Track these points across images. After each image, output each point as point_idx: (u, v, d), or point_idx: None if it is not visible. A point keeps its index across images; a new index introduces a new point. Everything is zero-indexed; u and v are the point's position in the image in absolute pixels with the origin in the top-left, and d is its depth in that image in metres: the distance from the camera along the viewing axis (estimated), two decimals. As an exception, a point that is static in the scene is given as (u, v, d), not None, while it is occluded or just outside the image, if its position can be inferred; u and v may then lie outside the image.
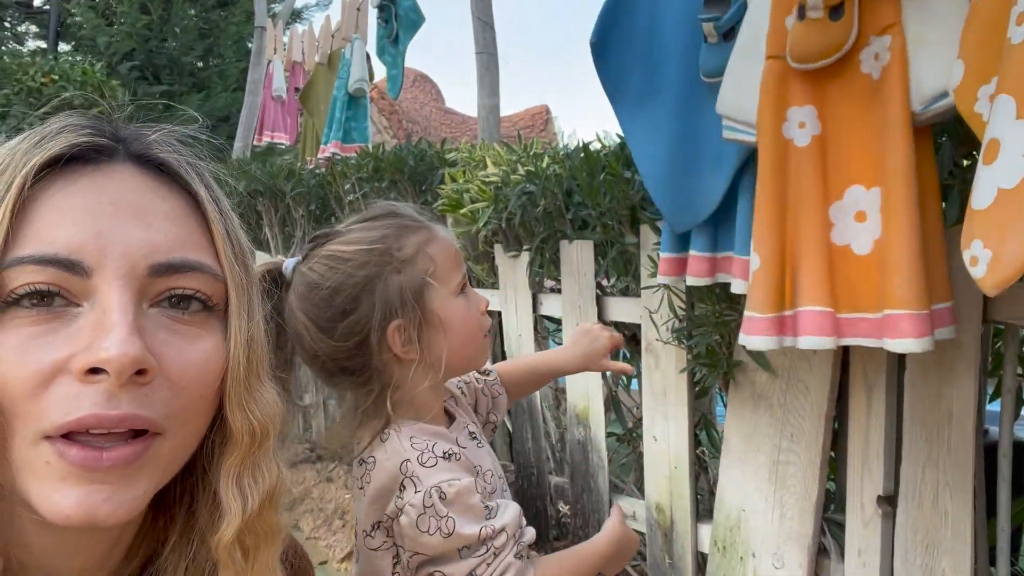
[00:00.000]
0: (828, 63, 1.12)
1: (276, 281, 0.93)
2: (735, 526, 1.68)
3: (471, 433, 1.01)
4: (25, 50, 9.22)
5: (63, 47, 9.43)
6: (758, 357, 1.55)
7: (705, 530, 1.79)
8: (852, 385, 1.43)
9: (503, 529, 0.86)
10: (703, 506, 1.86)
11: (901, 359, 1.33)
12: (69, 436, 0.46)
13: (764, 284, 1.22)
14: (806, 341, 1.17)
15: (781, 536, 1.57)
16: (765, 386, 1.58)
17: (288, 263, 0.93)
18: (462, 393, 1.10)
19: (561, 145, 2.13)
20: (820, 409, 1.48)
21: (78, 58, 7.14)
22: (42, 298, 0.47)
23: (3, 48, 8.95)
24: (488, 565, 0.85)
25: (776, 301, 1.20)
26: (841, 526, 1.49)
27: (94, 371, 0.46)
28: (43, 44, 9.47)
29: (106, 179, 0.51)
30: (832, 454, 1.56)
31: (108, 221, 0.49)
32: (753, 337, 1.23)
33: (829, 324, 1.15)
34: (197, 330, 0.52)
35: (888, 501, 1.37)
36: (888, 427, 1.36)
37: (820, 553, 1.53)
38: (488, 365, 1.16)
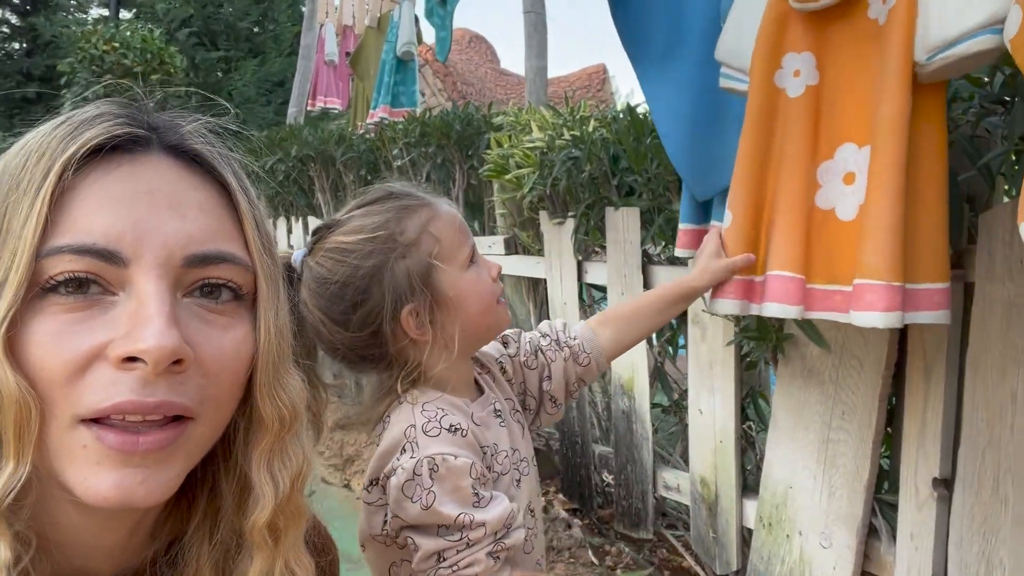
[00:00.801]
0: (832, 3, 1.03)
1: (288, 273, 0.92)
2: (781, 503, 1.63)
3: (496, 410, 0.98)
4: (88, 18, 9.43)
5: (124, 14, 9.62)
6: (809, 331, 1.48)
7: (751, 506, 1.75)
8: (910, 363, 1.35)
9: (483, 524, 0.82)
10: (749, 481, 1.81)
11: (964, 336, 1.25)
12: (103, 421, 0.47)
13: (735, 244, 1.15)
14: (770, 308, 1.11)
15: (829, 515, 1.52)
16: (816, 361, 1.52)
17: (296, 256, 0.92)
18: (502, 369, 1.06)
19: (618, 106, 2.05)
20: (874, 387, 1.41)
21: (138, 25, 7.25)
22: (79, 286, 0.47)
23: (68, 17, 9.17)
24: (458, 552, 0.83)
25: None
26: (893, 508, 1.43)
27: (131, 359, 0.47)
28: (105, 12, 9.67)
29: (142, 169, 0.51)
30: (887, 431, 1.49)
31: (145, 211, 0.50)
32: (718, 300, 1.18)
33: (796, 292, 1.08)
34: (228, 319, 0.53)
35: (944, 484, 1.31)
36: (947, 407, 1.29)
37: (870, 534, 1.48)
38: (576, 325, 1.12)
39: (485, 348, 1.06)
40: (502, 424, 0.97)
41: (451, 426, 0.87)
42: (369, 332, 0.89)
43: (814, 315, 1.10)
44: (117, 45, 6.40)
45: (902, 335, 1.37)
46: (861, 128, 1.04)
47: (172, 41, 7.57)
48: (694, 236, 1.42)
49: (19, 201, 0.47)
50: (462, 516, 0.82)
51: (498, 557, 0.84)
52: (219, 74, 8.47)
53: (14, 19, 9.74)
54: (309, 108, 6.05)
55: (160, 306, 0.48)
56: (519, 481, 0.97)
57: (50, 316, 0.46)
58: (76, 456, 0.47)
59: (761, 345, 1.62)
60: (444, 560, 0.83)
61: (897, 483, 1.40)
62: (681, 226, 1.44)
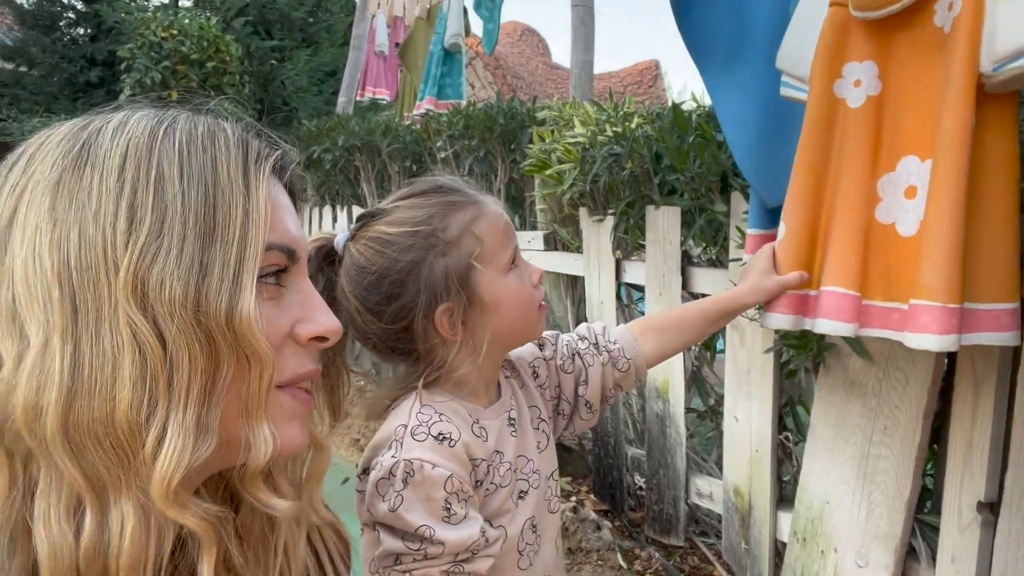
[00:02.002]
0: (895, 10, 0.97)
1: (328, 256, 0.91)
2: (817, 518, 1.57)
3: (510, 419, 0.95)
4: (149, 5, 9.68)
5: (183, 2, 9.85)
6: (853, 342, 1.42)
7: (785, 518, 1.70)
8: (958, 379, 1.29)
9: (442, 543, 0.81)
10: (785, 492, 1.76)
11: (1016, 354, 1.18)
12: (289, 386, 0.59)
13: (789, 258, 1.11)
14: (823, 325, 1.06)
15: (867, 534, 1.46)
16: (859, 373, 1.46)
17: (339, 239, 0.91)
18: (534, 373, 1.02)
19: (670, 103, 2.00)
20: (919, 403, 1.35)
21: (196, 13, 7.41)
22: (277, 277, 0.59)
23: (131, 3, 9.42)
24: (414, 560, 0.82)
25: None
26: (935, 529, 1.37)
27: (319, 339, 0.60)
28: (166, 0, 9.91)
29: (279, 186, 0.63)
30: (932, 449, 1.42)
31: (297, 221, 0.62)
32: (770, 315, 1.13)
33: (851, 309, 1.03)
34: None
35: (990, 508, 1.24)
36: (996, 428, 1.23)
37: (909, 555, 1.42)
38: (617, 329, 1.08)
39: (520, 350, 1.03)
40: (514, 433, 0.95)
41: (440, 434, 0.85)
42: (402, 326, 0.88)
43: (870, 333, 1.05)
44: (175, 32, 6.53)
45: (952, 351, 1.30)
46: (924, 140, 1.00)
47: (228, 30, 7.72)
48: (763, 241, 1.38)
49: (231, 197, 0.55)
50: (423, 528, 0.81)
51: None
52: (273, 63, 8.60)
53: (80, 5, 10.05)
54: (359, 98, 6.09)
55: (319, 297, 0.61)
56: (524, 493, 0.94)
57: (260, 300, 0.56)
58: (274, 414, 0.57)
59: (801, 353, 1.56)
60: (400, 563, 0.83)
61: (939, 504, 1.34)
62: (749, 231, 1.40)
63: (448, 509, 0.82)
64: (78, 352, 0.50)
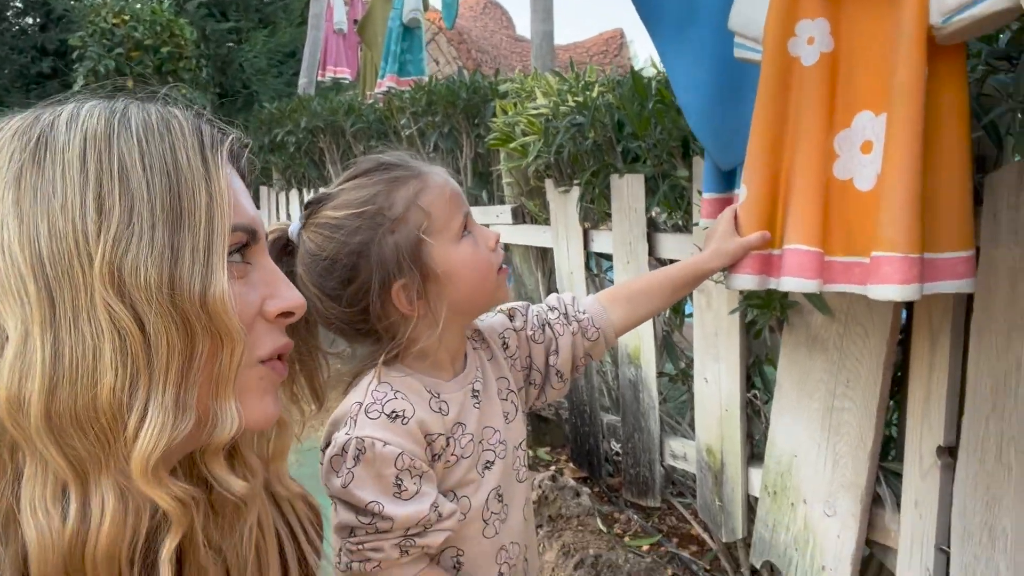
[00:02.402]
0: None
1: (286, 246, 0.92)
2: (786, 471, 1.62)
3: (474, 390, 0.96)
4: (99, -9, 9.39)
5: (135, -13, 9.57)
6: (814, 298, 1.45)
7: (756, 474, 1.74)
8: (915, 330, 1.32)
9: (391, 518, 0.84)
10: (756, 449, 1.80)
11: (969, 303, 1.22)
12: (266, 360, 0.62)
13: (751, 219, 1.12)
14: (787, 283, 1.08)
15: (834, 484, 1.51)
16: (821, 329, 1.49)
17: (292, 228, 0.91)
18: (504, 344, 1.03)
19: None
20: (879, 354, 1.38)
21: (148, -2, 7.22)
22: (242, 254, 0.61)
23: (79, -10, 9.15)
24: (367, 534, 0.85)
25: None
26: (898, 476, 1.41)
27: (287, 314, 0.62)
28: (116, -15, 9.63)
29: (233, 169, 0.65)
30: (892, 402, 1.47)
31: (251, 201, 0.65)
32: (735, 276, 1.15)
33: (814, 266, 1.06)
34: None
35: (949, 452, 1.29)
36: (952, 375, 1.27)
37: (874, 503, 1.46)
38: (586, 299, 1.09)
39: (490, 321, 1.05)
40: (476, 405, 0.95)
41: (393, 412, 0.87)
42: (360, 307, 0.89)
43: (834, 288, 1.07)
44: (127, 18, 6.37)
45: (909, 302, 1.34)
46: (878, 95, 1.01)
47: (182, 13, 7.52)
48: (719, 205, 1.40)
49: (193, 183, 0.56)
50: (373, 504, 0.83)
51: (406, 551, 0.86)
52: (230, 45, 8.41)
53: (27, -7, 9.73)
54: (320, 78, 6.01)
55: (281, 273, 0.64)
56: (491, 464, 0.95)
57: (231, 279, 0.58)
58: (252, 387, 0.61)
59: (765, 313, 1.59)
60: (354, 536, 0.86)
61: (902, 451, 1.39)
62: (704, 195, 1.41)
63: (399, 485, 0.84)
64: (58, 342, 0.51)
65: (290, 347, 0.64)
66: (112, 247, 0.52)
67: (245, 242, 0.61)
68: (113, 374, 0.52)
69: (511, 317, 1.06)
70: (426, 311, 0.90)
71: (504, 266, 0.96)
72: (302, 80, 6.21)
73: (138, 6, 6.52)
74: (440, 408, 0.91)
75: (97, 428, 0.52)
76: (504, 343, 1.04)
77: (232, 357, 0.57)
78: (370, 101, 4.31)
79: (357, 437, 0.84)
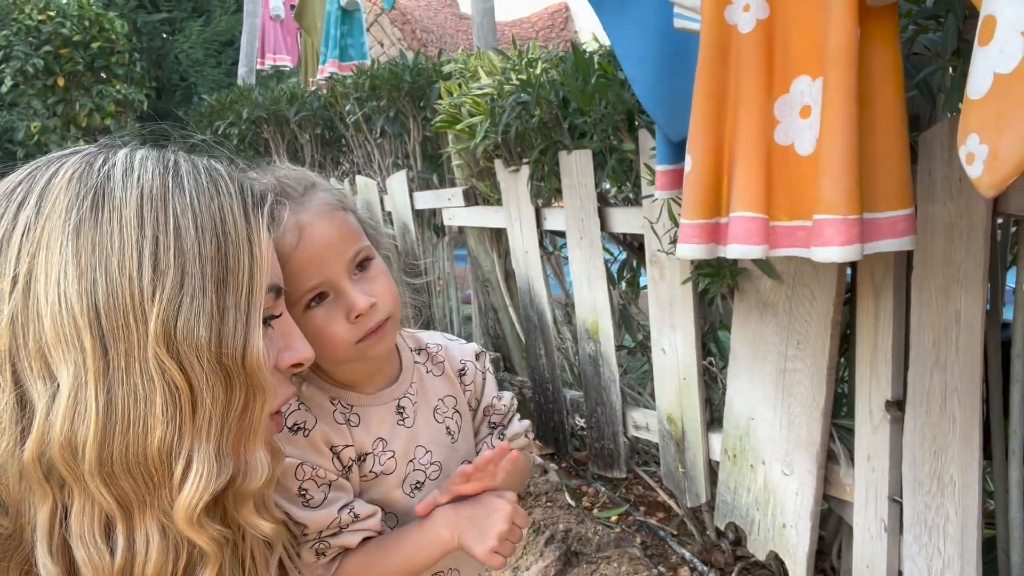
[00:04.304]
0: None
1: None
2: (744, 435, 1.65)
3: (399, 407, 0.92)
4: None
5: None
6: (762, 264, 1.48)
7: (716, 439, 1.77)
8: (859, 289, 1.36)
9: (305, 524, 0.84)
10: (715, 415, 1.83)
11: (910, 260, 1.25)
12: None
13: (695, 187, 1.14)
14: (734, 250, 1.10)
15: (790, 443, 1.54)
16: (770, 293, 1.52)
17: None
18: (461, 371, 0.99)
19: (584, 44, 2.00)
20: (826, 315, 1.42)
21: (74, -9, 6.94)
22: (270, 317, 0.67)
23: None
24: (293, 536, 0.85)
25: (710, 207, 1.12)
26: (851, 432, 1.45)
27: (294, 364, 0.69)
28: (39, -21, 9.23)
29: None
30: (843, 360, 1.50)
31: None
32: (683, 245, 1.17)
33: (759, 232, 1.07)
34: None
35: (897, 406, 1.33)
36: (896, 331, 1.30)
37: (829, 459, 1.51)
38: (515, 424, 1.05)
39: (456, 345, 1.02)
40: (401, 421, 0.92)
41: (294, 424, 0.86)
42: None
43: (779, 253, 1.09)
44: (53, 14, 6.12)
45: (853, 262, 1.37)
46: (813, 59, 1.02)
47: (111, 6, 7.26)
48: (673, 176, 1.40)
49: (239, 244, 0.60)
50: (285, 511, 0.83)
51: (323, 554, 0.86)
52: (164, 37, 8.15)
53: (-57, -8, 9.28)
54: (260, 67, 5.86)
55: (295, 326, 0.69)
56: (420, 484, 0.92)
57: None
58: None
59: (716, 281, 1.61)
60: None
61: (853, 408, 1.42)
62: (658, 167, 1.42)
63: (304, 495, 0.84)
64: (111, 392, 0.55)
65: (295, 395, 0.71)
66: (167, 306, 0.56)
67: (273, 303, 0.65)
68: (163, 426, 0.55)
69: (478, 356, 1.03)
70: None
71: (374, 328, 0.83)
72: (241, 69, 6.06)
73: (64, 1, 6.27)
74: (348, 420, 0.89)
75: (146, 473, 0.56)
76: (462, 369, 1.00)
77: (263, 409, 0.61)
78: (313, 88, 4.23)
79: None
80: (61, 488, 0.56)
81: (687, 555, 1.98)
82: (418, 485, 0.93)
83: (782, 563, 1.62)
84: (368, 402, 0.91)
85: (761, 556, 1.66)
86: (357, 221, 0.87)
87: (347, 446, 0.88)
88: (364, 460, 0.89)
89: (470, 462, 0.89)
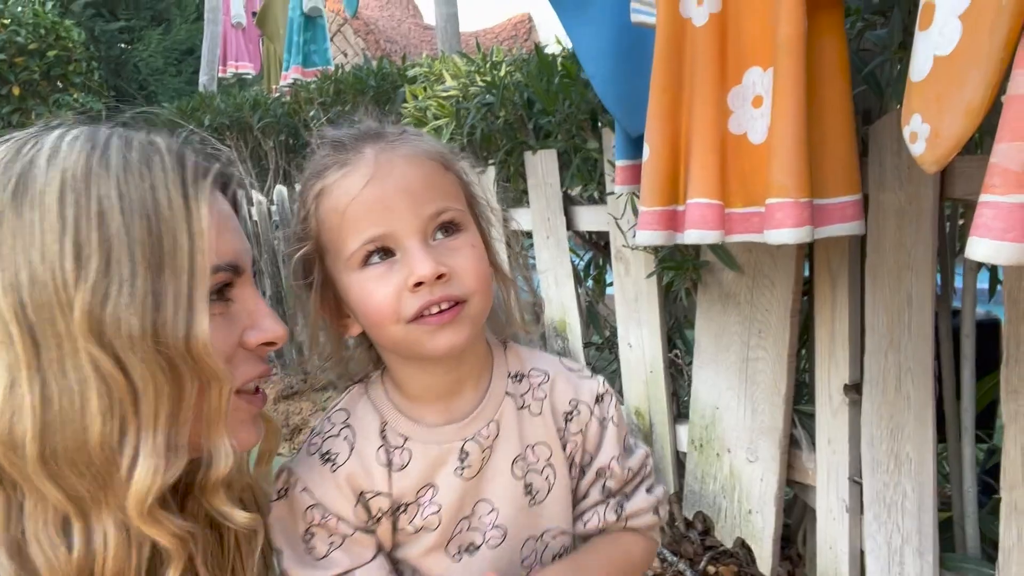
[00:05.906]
0: None
1: None
2: (710, 424, 1.69)
3: (462, 450, 0.72)
4: (-27, -5, 8.81)
5: (13, -11, 9.01)
6: (722, 255, 1.52)
7: (683, 430, 1.80)
8: (817, 277, 1.40)
9: None
10: (682, 408, 1.87)
11: (863, 247, 1.30)
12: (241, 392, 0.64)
13: (653, 176, 1.18)
14: (690, 235, 1.14)
15: (754, 431, 1.58)
16: (732, 285, 1.56)
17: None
18: (570, 413, 0.77)
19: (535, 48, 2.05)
20: (786, 303, 1.46)
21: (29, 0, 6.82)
22: (221, 292, 0.64)
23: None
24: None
25: (668, 195, 1.16)
26: (811, 417, 1.49)
27: (266, 343, 0.65)
28: (-8, -13, 9.05)
29: (219, 197, 0.66)
30: (803, 348, 1.55)
31: (239, 231, 0.68)
32: (642, 232, 1.20)
33: (714, 218, 1.11)
34: None
35: (855, 389, 1.37)
36: (852, 315, 1.35)
37: (792, 445, 1.55)
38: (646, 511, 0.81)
39: (576, 376, 0.81)
40: (461, 472, 0.72)
41: (327, 452, 0.72)
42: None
43: (735, 239, 1.13)
44: (7, 22, 6.01)
45: (810, 251, 1.41)
46: (764, 50, 1.06)
47: (67, 14, 7.14)
48: (633, 171, 1.43)
49: (174, 224, 0.56)
50: (278, 552, 0.72)
51: None
52: (122, 45, 8.04)
53: None
54: (221, 75, 5.81)
55: (264, 303, 0.66)
56: (474, 548, 0.74)
57: (212, 317, 0.58)
58: (230, 420, 0.61)
59: (680, 274, 1.65)
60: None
61: (813, 393, 1.47)
62: (618, 163, 1.45)
63: (307, 542, 0.71)
64: (46, 387, 0.53)
65: (267, 374, 0.65)
66: (91, 296, 0.53)
67: (229, 280, 0.61)
68: (101, 420, 0.53)
69: (600, 399, 0.80)
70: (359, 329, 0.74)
71: (433, 312, 0.66)
72: (203, 77, 6.00)
73: (19, 9, 6.16)
74: (391, 461, 0.72)
75: (92, 469, 0.54)
76: (573, 411, 0.78)
77: (221, 396, 0.58)
78: (276, 95, 4.21)
79: (287, 470, 0.74)
80: (14, 487, 0.55)
81: (657, 547, 2.00)
82: (470, 549, 0.73)
83: (749, 550, 1.65)
84: (426, 437, 0.72)
85: (728, 543, 1.70)
86: (460, 184, 0.72)
87: (379, 494, 0.71)
88: (403, 511, 0.72)
89: (561, 535, 0.71)
